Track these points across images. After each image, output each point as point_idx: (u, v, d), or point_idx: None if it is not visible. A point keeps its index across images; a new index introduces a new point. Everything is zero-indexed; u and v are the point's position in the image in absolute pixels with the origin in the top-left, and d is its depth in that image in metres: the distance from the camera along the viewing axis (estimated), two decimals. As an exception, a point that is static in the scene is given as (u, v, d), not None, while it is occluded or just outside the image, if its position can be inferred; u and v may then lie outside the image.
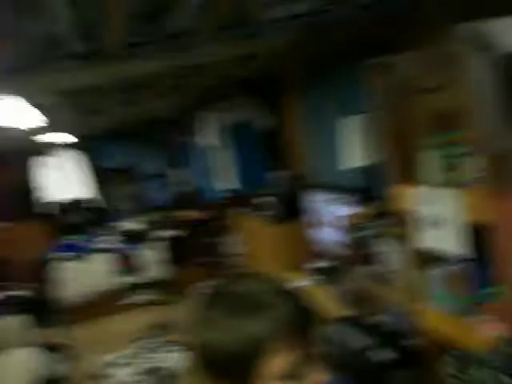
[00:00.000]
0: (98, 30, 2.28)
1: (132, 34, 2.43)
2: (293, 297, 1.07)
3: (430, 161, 2.21)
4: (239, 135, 5.46)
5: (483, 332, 2.02)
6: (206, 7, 2.34)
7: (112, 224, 8.14)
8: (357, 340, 2.50)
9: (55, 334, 5.90)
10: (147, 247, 7.63)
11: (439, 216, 2.08)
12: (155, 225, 8.04)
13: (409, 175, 2.37)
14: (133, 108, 5.60)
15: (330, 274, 3.77)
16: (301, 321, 1.04)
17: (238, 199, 5.97)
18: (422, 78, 2.37)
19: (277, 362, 1.00)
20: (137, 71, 3.22)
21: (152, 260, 7.56)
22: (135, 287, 7.52)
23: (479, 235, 1.90)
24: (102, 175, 8.44)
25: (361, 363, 2.41)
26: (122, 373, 5.25)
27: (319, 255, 4.19)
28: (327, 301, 3.61)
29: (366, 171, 3.33)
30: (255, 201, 5.29)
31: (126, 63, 2.83)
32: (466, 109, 1.81)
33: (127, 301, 7.41)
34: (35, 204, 8.10)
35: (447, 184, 2.11)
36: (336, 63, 3.60)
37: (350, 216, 3.28)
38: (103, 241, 7.71)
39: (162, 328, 6.05)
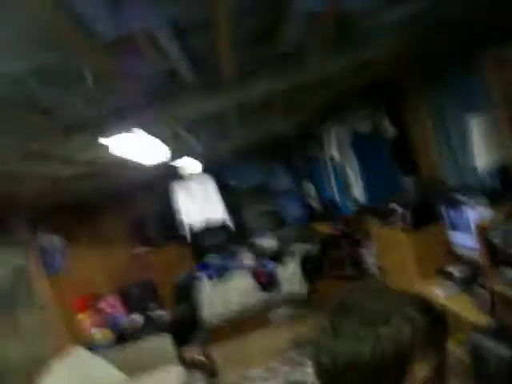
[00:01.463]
0: (210, 60, 2.39)
1: (243, 59, 2.51)
2: (427, 305, 1.05)
3: None
4: (366, 145, 5.39)
5: None
6: (311, 23, 2.37)
7: (248, 242, 8.37)
8: (498, 350, 2.35)
9: (197, 352, 6.13)
10: (284, 263, 7.73)
11: None
12: (290, 240, 8.14)
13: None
14: (256, 128, 5.74)
15: (468, 281, 3.59)
16: (436, 331, 1.02)
17: (371, 210, 5.89)
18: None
19: (415, 372, 0.98)
20: (254, 94, 3.31)
21: (289, 275, 7.64)
22: (274, 303, 7.64)
23: None
24: (234, 195, 8.71)
25: (504, 375, 2.26)
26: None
27: (456, 261, 4.00)
28: (467, 309, 3.44)
29: (499, 171, 3.15)
30: (388, 210, 5.18)
31: (242, 89, 2.92)
32: None
33: (267, 317, 7.55)
34: (176, 228, 8.54)
35: None
36: (453, 59, 3.45)
37: (484, 218, 3.10)
38: (241, 259, 7.95)
39: (302, 343, 6.08)
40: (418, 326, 0.98)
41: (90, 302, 6.31)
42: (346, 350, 0.99)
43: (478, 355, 2.45)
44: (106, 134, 2.60)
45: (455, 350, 3.68)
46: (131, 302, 6.72)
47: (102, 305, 6.41)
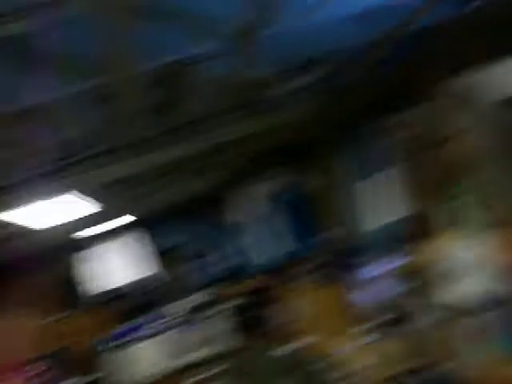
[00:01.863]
0: (118, 128, 2.43)
1: (150, 126, 2.57)
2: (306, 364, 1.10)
3: (453, 211, 2.20)
4: (280, 205, 5.51)
5: None
6: (216, 92, 2.47)
7: (168, 304, 8.19)
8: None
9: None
10: (204, 323, 7.61)
11: (474, 262, 2.06)
12: (209, 302, 8.06)
13: (436, 227, 2.37)
14: (174, 190, 5.75)
15: (386, 329, 3.68)
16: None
17: (283, 269, 5.96)
18: (432, 132, 2.41)
19: None
20: (164, 158, 3.35)
21: (209, 335, 7.52)
22: (196, 365, 7.46)
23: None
24: (154, 257, 8.58)
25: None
26: None
27: (372, 313, 4.10)
28: (384, 358, 3.52)
29: (396, 227, 3.32)
30: (300, 268, 5.28)
31: (151, 153, 2.97)
32: (471, 158, 1.83)
33: (189, 381, 7.34)
34: (86, 294, 8.27)
35: (474, 232, 2.09)
36: (358, 124, 3.65)
37: (397, 269, 3.22)
38: (160, 323, 7.75)
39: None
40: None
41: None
42: None
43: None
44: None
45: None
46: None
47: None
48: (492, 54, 1.88)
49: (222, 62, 2.01)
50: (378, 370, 3.44)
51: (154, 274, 8.64)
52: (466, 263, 2.07)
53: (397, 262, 3.24)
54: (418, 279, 2.71)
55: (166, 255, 8.66)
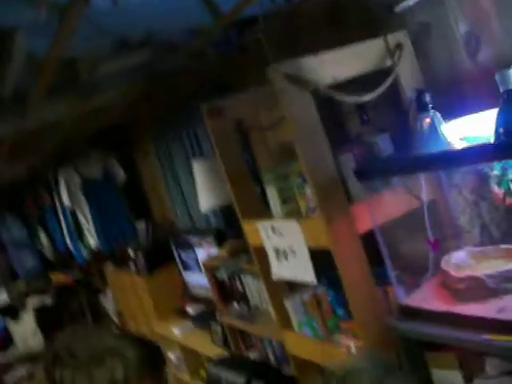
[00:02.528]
0: None
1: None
2: (140, 341, 1.06)
3: (272, 194, 2.29)
4: (97, 191, 5.33)
5: (342, 351, 2.11)
6: (32, 72, 2.30)
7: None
8: (233, 378, 2.50)
9: None
10: (18, 319, 7.15)
11: (286, 247, 2.16)
12: (25, 294, 7.57)
13: (257, 211, 2.45)
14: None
15: (203, 318, 3.77)
16: (151, 364, 1.04)
17: (106, 256, 5.81)
18: (254, 117, 2.48)
19: None
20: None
21: (24, 332, 7.09)
22: (9, 364, 7.00)
23: (327, 260, 1.99)
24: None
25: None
26: None
27: (192, 300, 4.17)
28: (204, 344, 3.60)
29: (222, 212, 3.40)
30: (123, 255, 5.18)
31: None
32: (295, 142, 1.91)
33: (2, 380, 6.87)
34: None
35: (288, 215, 2.20)
36: (180, 109, 3.66)
37: (211, 257, 3.31)
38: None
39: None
40: (131, 362, 0.99)
41: None
42: None
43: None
44: None
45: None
46: None
47: None
48: (321, 41, 1.99)
49: (41, 36, 1.87)
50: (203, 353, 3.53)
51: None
52: (282, 246, 2.17)
53: (214, 248, 3.32)
54: (245, 260, 2.80)
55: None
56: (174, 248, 4.19)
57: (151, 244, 4.55)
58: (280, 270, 2.29)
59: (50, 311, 7.21)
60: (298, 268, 2.14)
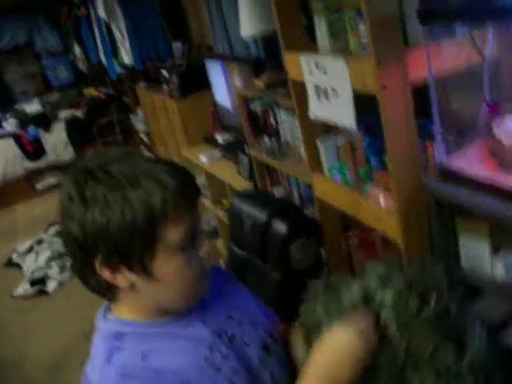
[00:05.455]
0: None
1: None
2: (180, 170, 1.03)
3: (320, 27, 2.09)
4: (134, 5, 5.09)
5: (370, 201, 2.06)
6: None
7: (12, 107, 7.62)
8: (255, 213, 2.50)
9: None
10: (50, 129, 7.26)
11: (328, 86, 2.01)
12: (58, 105, 7.61)
13: (301, 43, 2.27)
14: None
15: (232, 148, 3.73)
16: (188, 194, 1.01)
17: (139, 74, 5.71)
18: None
19: (167, 236, 0.97)
20: None
21: (56, 142, 7.24)
22: (41, 172, 7.25)
23: (368, 106, 1.85)
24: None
25: (259, 236, 2.43)
26: (35, 259, 5.17)
27: (222, 129, 4.11)
28: (230, 175, 3.60)
29: (263, 40, 3.20)
30: (157, 75, 5.07)
31: None
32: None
33: (34, 187, 7.17)
34: None
35: (336, 52, 2.02)
36: None
37: (246, 87, 3.16)
38: (4, 125, 7.26)
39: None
40: (169, 188, 0.96)
41: None
42: (94, 218, 0.94)
43: (237, 218, 2.59)
44: None
45: (220, 213, 3.90)
46: None
47: None
48: None
49: None
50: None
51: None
52: (328, 84, 2.02)
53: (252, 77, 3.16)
54: (282, 94, 2.67)
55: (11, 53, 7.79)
56: (209, 72, 4.02)
57: (186, 67, 4.38)
58: (318, 110, 2.16)
59: (81, 124, 7.30)
60: (338, 110, 2.01)
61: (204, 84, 4.10)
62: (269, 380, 1.15)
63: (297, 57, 2.16)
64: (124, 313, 1.09)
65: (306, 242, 2.41)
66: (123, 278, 1.00)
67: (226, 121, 4.03)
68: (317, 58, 2.04)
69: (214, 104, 4.13)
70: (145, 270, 0.99)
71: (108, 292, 1.06)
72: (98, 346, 1.09)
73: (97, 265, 0.98)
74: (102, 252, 0.97)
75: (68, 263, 4.73)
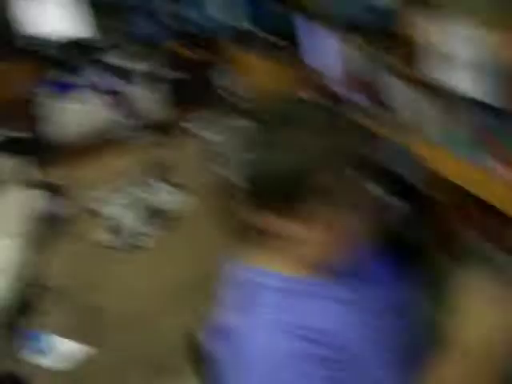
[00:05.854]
0: None
1: None
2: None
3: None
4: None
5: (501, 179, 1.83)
6: None
7: (102, 60, 7.64)
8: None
9: (51, 174, 5.87)
10: (144, 85, 7.25)
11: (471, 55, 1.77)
12: (152, 62, 7.56)
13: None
14: None
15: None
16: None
17: (230, 32, 5.54)
18: None
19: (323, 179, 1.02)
20: None
21: (149, 100, 7.25)
22: (131, 127, 7.32)
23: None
24: (86, 6, 7.72)
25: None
26: (118, 208, 5.29)
27: (314, 89, 3.91)
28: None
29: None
30: (248, 33, 4.91)
31: None
32: None
33: (124, 140, 7.27)
34: (16, 38, 7.46)
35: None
36: None
37: (352, 43, 2.93)
38: (95, 78, 7.31)
39: (159, 168, 5.98)
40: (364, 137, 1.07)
41: None
42: (280, 160, 1.00)
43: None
44: None
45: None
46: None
47: None
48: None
49: None
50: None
51: (88, 26, 7.86)
52: (462, 52, 1.79)
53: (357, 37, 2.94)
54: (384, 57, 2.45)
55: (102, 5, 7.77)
56: (308, 32, 3.80)
57: (279, 24, 4.17)
58: (443, 72, 1.95)
59: (179, 83, 7.24)
60: (467, 78, 1.79)
61: (295, 42, 3.90)
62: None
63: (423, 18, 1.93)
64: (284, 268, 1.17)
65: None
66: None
67: (318, 80, 3.82)
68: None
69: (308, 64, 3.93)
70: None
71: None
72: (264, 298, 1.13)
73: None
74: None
75: (156, 219, 4.77)
